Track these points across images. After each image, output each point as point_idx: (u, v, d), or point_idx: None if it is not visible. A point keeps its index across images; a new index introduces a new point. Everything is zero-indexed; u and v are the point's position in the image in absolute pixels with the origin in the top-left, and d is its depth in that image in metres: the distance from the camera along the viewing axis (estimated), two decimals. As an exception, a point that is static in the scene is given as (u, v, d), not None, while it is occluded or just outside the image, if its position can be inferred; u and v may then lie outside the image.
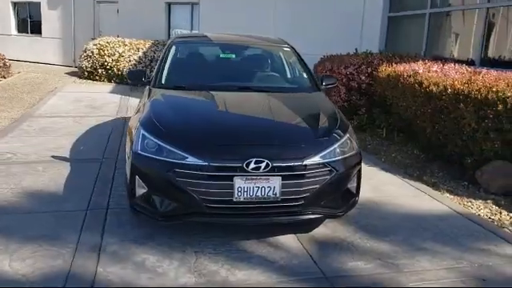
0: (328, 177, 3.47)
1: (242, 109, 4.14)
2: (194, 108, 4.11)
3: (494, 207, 4.62)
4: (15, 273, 3.08)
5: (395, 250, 3.58)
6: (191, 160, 3.33)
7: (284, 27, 10.96)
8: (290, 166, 3.36)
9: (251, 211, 3.40)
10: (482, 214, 4.45)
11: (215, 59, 5.16)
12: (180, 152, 3.36)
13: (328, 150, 3.52)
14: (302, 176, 3.39)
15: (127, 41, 13.47)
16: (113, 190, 4.64)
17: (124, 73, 12.75)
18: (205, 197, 3.32)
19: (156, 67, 4.67)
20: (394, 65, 7.06)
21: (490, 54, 7.37)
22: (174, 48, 4.88)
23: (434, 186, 5.17)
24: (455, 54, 8.15)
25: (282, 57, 5.27)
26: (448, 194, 4.94)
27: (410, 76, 6.27)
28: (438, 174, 5.61)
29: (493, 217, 4.40)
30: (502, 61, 7.16)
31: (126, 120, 8.11)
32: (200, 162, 3.31)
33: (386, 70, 6.98)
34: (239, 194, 3.30)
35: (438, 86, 5.60)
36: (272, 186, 3.32)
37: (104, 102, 9.94)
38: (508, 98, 4.76)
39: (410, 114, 6.34)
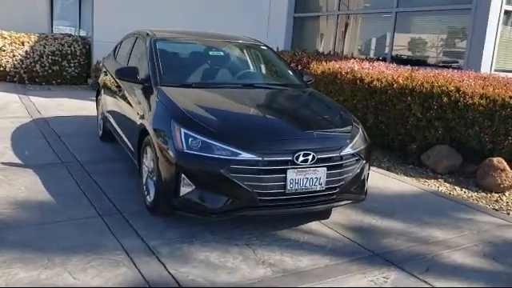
0: (357, 165, 3.85)
1: (266, 105, 4.31)
2: (223, 106, 4.16)
3: (447, 185, 5.43)
4: (88, 284, 2.91)
5: (408, 226, 4.10)
6: (245, 156, 3.45)
7: (191, 24, 10.98)
8: (330, 157, 3.67)
9: (300, 201, 3.63)
10: (442, 191, 5.22)
11: (205, 57, 5.16)
12: (233, 149, 3.45)
13: (354, 141, 3.90)
14: (340, 166, 3.72)
15: (6, 33, 12.19)
16: (108, 194, 4.44)
17: (8, 69, 11.63)
18: (259, 190, 3.46)
19: (149, 65, 4.52)
20: (324, 63, 7.68)
21: (398, 52, 8.39)
22: (158, 45, 4.77)
23: (390, 170, 5.87)
24: (364, 53, 9.08)
25: (265, 54, 5.48)
26: (405, 176, 5.66)
27: (347, 73, 6.92)
28: (384, 160, 6.33)
29: (452, 192, 5.20)
30: (406, 59, 8.21)
31: (47, 121, 7.55)
32: (254, 158, 3.45)
33: (318, 67, 7.56)
34: (291, 185, 3.51)
35: (382, 82, 6.32)
36: (319, 176, 3.60)
37: (4, 102, 9.02)
38: (451, 91, 5.62)
39: (347, 106, 6.98)
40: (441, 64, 7.60)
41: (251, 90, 4.59)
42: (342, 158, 3.73)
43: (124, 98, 4.92)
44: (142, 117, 4.19)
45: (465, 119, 5.55)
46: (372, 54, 8.76)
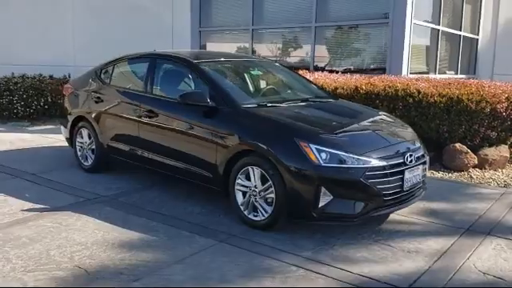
0: (427, 161, 4.59)
1: (344, 116, 4.75)
2: (316, 120, 4.48)
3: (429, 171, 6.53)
4: None
5: (452, 205, 5.00)
6: (375, 163, 3.91)
7: (84, 40, 10.51)
8: (420, 155, 4.34)
9: (408, 196, 4.22)
10: (436, 176, 6.28)
11: (250, 77, 5.28)
12: (365, 158, 3.89)
13: (419, 141, 4.64)
14: (425, 162, 4.43)
15: None
16: (193, 221, 4.40)
17: None
18: (385, 191, 3.96)
19: (214, 89, 4.55)
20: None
21: (320, 62, 9.40)
22: (208, 69, 4.83)
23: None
24: (287, 64, 9.85)
25: (286, 71, 5.82)
26: (389, 168, 6.61)
27: (304, 83, 7.61)
28: (354, 157, 7.21)
29: (435, 175, 6.31)
30: (330, 68, 9.26)
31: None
32: (382, 163, 3.94)
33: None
34: (407, 183, 4.09)
35: (345, 89, 7.20)
36: (419, 173, 4.26)
37: None
38: (413, 93, 6.76)
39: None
40: (368, 70, 8.80)
41: (316, 104, 4.98)
42: (423, 155, 4.43)
43: (171, 123, 4.80)
44: (229, 139, 4.27)
45: (426, 115, 6.73)
46: (296, 65, 9.56)
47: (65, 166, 6.31)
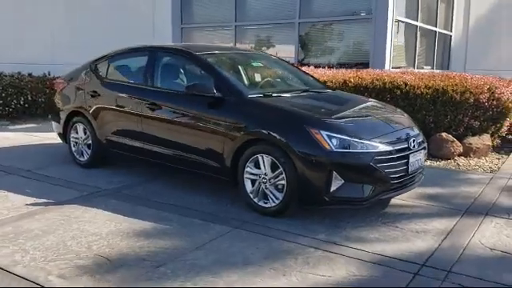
0: (426, 146, 4.77)
1: (346, 105, 4.86)
2: (322, 109, 4.56)
3: (414, 159, 6.76)
4: (338, 277, 3.21)
5: (448, 190, 5.21)
6: (383, 148, 4.06)
7: (64, 38, 10.33)
8: (420, 141, 4.53)
9: (412, 180, 4.39)
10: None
11: (251, 68, 5.35)
12: (372, 143, 4.03)
13: (417, 127, 4.83)
14: (425, 148, 4.61)
15: None
16: (205, 210, 4.46)
17: None
18: (392, 175, 4.11)
19: (220, 80, 4.61)
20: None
21: (302, 56, 9.56)
22: (211, 60, 4.90)
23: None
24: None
25: (283, 63, 5.91)
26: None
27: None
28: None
29: (432, 165, 6.53)
30: (315, 63, 9.43)
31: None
32: (389, 148, 4.10)
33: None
34: (411, 167, 4.26)
35: (333, 82, 7.37)
36: (421, 157, 4.44)
37: None
38: (400, 85, 6.99)
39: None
40: (351, 65, 9.00)
41: (316, 95, 5.08)
42: (423, 141, 4.62)
43: (176, 115, 4.84)
44: (237, 129, 4.34)
45: (413, 106, 6.96)
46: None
47: (59, 162, 6.23)
